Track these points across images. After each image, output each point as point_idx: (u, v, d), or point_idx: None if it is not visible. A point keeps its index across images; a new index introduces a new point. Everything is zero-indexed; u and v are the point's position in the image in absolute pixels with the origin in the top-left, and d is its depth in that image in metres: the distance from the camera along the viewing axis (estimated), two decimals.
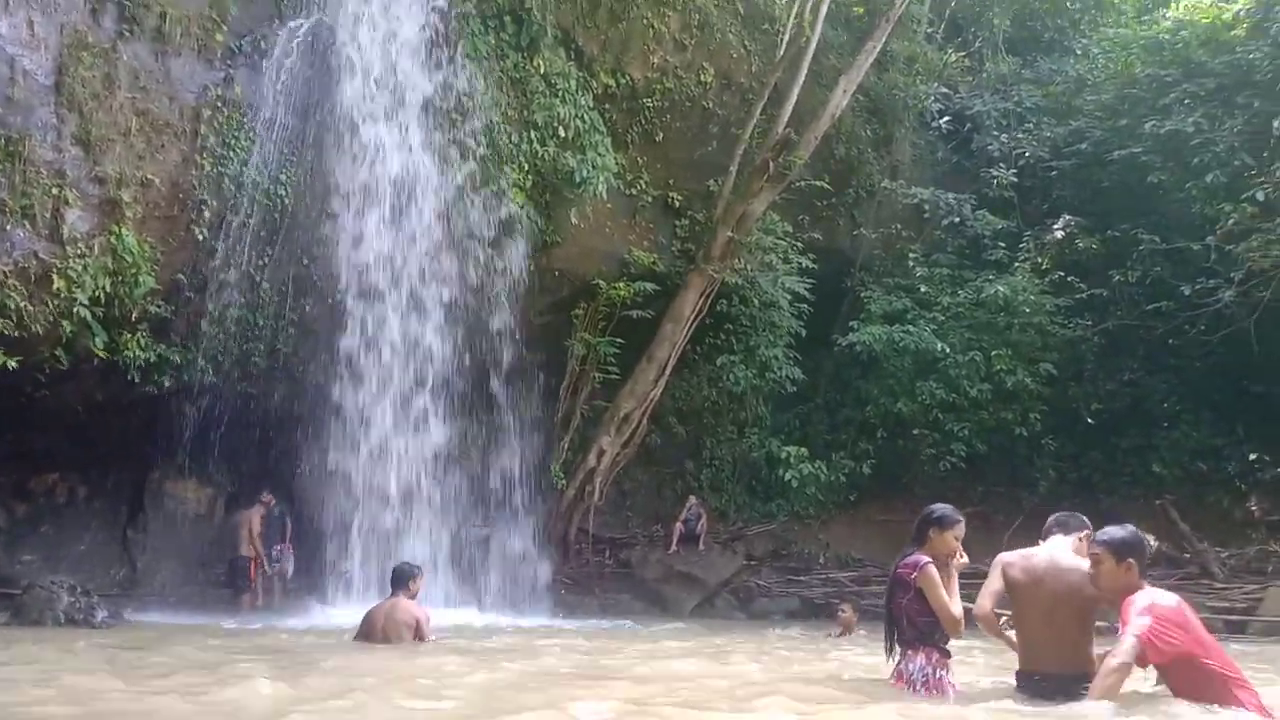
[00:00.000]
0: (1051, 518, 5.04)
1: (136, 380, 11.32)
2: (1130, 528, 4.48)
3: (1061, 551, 4.77)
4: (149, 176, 10.42)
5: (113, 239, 10.08)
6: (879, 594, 6.52)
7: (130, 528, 13.93)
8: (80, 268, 9.78)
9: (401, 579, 7.63)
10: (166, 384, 11.71)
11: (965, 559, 5.00)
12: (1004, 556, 4.89)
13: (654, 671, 6.66)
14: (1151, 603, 4.14)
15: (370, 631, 7.44)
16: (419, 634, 7.37)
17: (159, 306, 11.02)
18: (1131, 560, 4.29)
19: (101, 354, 10.50)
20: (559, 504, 15.36)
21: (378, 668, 6.27)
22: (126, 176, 10.20)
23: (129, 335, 10.87)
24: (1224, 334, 14.76)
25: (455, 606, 11.95)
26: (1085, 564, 4.50)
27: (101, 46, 10.04)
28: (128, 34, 10.29)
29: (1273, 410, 15.07)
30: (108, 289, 10.12)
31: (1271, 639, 11.04)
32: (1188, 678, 4.10)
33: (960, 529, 5.01)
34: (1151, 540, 15.09)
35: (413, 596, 7.61)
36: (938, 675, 4.88)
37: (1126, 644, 4.04)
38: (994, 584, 4.80)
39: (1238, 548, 14.12)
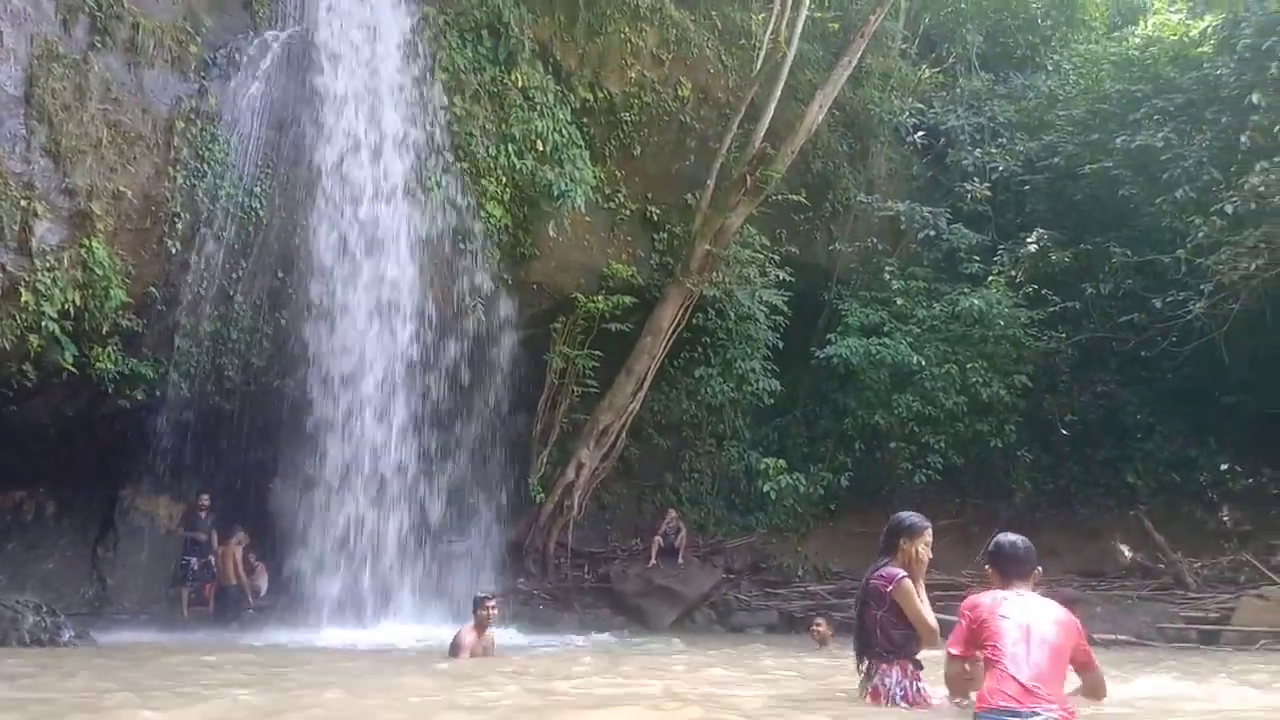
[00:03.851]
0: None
1: (108, 393, 11.16)
2: (1009, 537, 4.66)
3: None
4: (121, 189, 10.30)
5: (83, 251, 9.95)
6: None
7: (100, 545, 13.70)
8: (49, 280, 9.64)
9: (474, 606, 8.46)
10: (139, 398, 11.55)
11: (930, 554, 5.01)
12: None
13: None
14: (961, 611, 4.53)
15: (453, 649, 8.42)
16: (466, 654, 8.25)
17: (131, 320, 10.88)
18: (987, 565, 4.67)
19: (71, 368, 10.33)
20: (538, 518, 15.27)
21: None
22: (98, 188, 10.09)
23: (100, 349, 10.71)
24: (1195, 346, 14.92)
25: (429, 622, 11.80)
26: None
27: (72, 58, 9.94)
28: (99, 45, 10.20)
29: (1243, 421, 15.25)
30: (77, 302, 9.97)
31: (1244, 648, 11.12)
32: None
33: (929, 534, 5.00)
34: (1126, 551, 15.13)
35: (485, 622, 8.36)
36: (915, 688, 4.84)
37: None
38: None
39: (1210, 558, 14.24)
